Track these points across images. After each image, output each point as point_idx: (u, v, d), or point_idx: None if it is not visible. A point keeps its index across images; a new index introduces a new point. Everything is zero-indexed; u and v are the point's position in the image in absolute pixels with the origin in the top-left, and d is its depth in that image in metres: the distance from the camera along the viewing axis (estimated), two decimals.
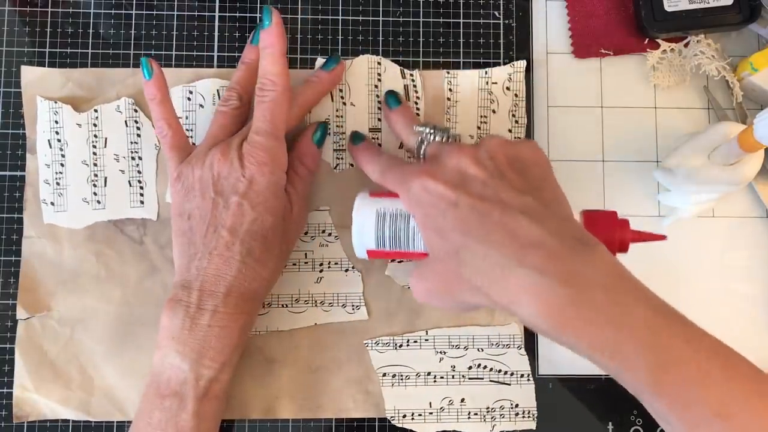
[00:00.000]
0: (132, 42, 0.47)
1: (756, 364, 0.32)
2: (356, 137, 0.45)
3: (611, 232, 0.38)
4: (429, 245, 0.37)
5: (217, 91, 0.46)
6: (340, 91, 0.47)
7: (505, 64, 0.48)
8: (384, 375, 0.45)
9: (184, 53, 0.47)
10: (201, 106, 0.46)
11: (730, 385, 0.31)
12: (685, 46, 0.48)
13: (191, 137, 0.46)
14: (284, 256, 0.43)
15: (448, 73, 0.48)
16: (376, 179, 0.41)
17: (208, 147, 0.42)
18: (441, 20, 0.48)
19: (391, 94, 0.45)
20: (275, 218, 0.41)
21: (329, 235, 0.46)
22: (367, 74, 0.47)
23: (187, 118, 0.46)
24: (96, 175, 0.46)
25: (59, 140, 0.46)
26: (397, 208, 0.40)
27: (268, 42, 0.40)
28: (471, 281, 0.34)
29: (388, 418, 0.45)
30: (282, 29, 0.40)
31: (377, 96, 0.47)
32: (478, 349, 0.46)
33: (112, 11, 0.47)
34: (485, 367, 0.46)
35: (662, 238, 0.40)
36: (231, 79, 0.45)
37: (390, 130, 0.46)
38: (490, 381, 0.46)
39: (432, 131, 0.41)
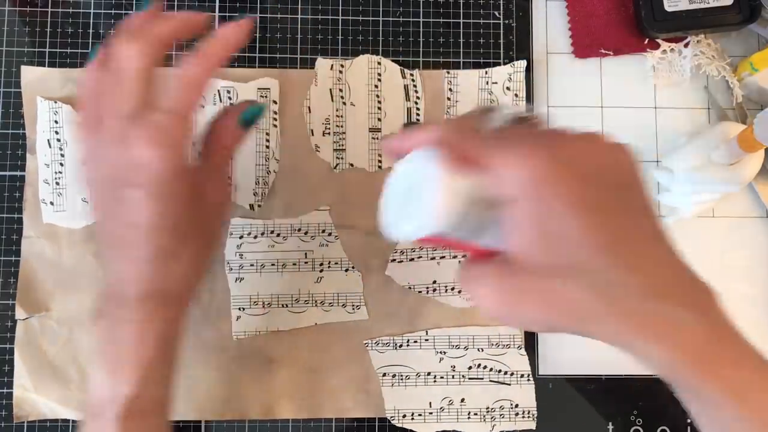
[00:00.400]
0: None
1: None
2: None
3: None
4: (529, 249, 0.28)
5: (218, 91, 0.46)
6: (340, 90, 0.47)
7: (505, 64, 0.48)
8: (384, 375, 0.45)
9: (184, 54, 0.47)
10: (201, 106, 0.46)
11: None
12: (686, 46, 0.48)
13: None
14: (206, 245, 0.38)
15: (448, 72, 0.48)
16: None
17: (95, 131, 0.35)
18: (441, 20, 0.48)
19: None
20: (184, 206, 0.34)
21: (329, 235, 0.46)
22: (367, 74, 0.47)
23: None
24: None
25: (59, 140, 0.46)
26: (482, 188, 0.28)
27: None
28: (584, 308, 0.27)
29: (388, 418, 0.45)
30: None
31: (377, 96, 0.47)
32: (478, 349, 0.46)
33: (112, 11, 0.47)
34: (485, 367, 0.46)
35: None
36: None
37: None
38: (490, 381, 0.46)
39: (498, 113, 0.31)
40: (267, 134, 0.47)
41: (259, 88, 0.47)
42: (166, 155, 0.33)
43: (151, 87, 0.34)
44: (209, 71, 0.34)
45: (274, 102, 0.47)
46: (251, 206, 0.46)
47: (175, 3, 0.47)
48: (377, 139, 0.47)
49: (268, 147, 0.47)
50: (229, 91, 0.47)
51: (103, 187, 0.35)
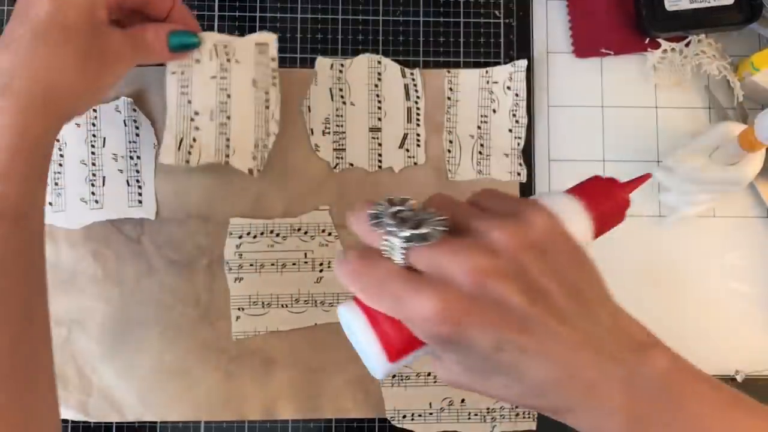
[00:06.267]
0: None
1: (755, 365, 0.32)
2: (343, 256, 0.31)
3: (610, 197, 0.35)
4: (468, 370, 0.30)
5: (214, 46, 0.44)
6: (340, 90, 0.47)
7: (505, 63, 0.48)
8: None
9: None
10: (197, 61, 0.44)
11: None
12: (686, 45, 0.48)
13: (186, 94, 0.44)
14: (92, 62, 0.36)
15: (449, 72, 0.47)
16: (360, 297, 0.30)
17: None
18: (441, 20, 0.48)
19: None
20: (79, 17, 0.35)
21: (329, 234, 0.46)
22: (367, 74, 0.47)
23: (182, 73, 0.44)
24: (94, 175, 0.46)
25: (58, 140, 0.45)
26: (422, 353, 0.31)
27: None
28: (530, 404, 0.31)
29: (388, 418, 0.45)
30: None
31: (377, 95, 0.47)
32: None
33: None
34: None
35: (648, 176, 0.36)
36: None
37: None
38: None
39: (405, 239, 0.28)
40: (266, 93, 0.45)
41: (257, 44, 0.45)
42: None
43: None
44: None
45: (273, 59, 0.45)
46: (250, 171, 0.45)
47: None
48: (377, 138, 0.47)
49: (267, 107, 0.45)
50: (225, 46, 0.44)
51: (18, 2, 0.35)
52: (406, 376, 0.45)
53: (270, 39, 0.45)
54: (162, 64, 0.45)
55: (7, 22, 0.35)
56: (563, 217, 0.31)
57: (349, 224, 0.30)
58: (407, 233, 0.28)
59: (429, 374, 0.45)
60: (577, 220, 0.33)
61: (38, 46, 0.34)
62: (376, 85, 0.47)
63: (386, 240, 0.29)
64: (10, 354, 0.31)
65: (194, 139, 0.44)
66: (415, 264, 0.29)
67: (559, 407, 0.30)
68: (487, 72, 0.47)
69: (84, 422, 0.44)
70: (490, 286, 0.28)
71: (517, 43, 0.48)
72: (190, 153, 0.45)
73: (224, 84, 0.45)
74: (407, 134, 0.47)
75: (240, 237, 0.45)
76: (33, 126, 0.34)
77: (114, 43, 0.38)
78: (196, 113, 0.44)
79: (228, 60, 0.44)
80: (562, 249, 0.30)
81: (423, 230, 0.28)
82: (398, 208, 0.29)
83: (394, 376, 0.45)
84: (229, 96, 0.45)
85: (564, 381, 0.29)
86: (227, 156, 0.45)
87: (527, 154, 0.47)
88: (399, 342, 0.30)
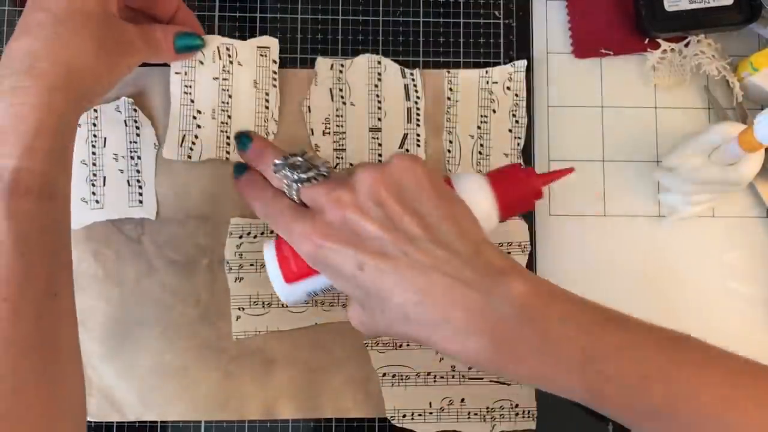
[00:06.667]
0: None
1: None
2: (237, 169, 0.41)
3: (522, 185, 0.39)
4: (351, 297, 0.37)
5: (218, 48, 0.46)
6: (340, 90, 0.47)
7: (505, 63, 0.48)
8: (384, 375, 0.45)
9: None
10: (201, 62, 0.46)
11: (672, 381, 0.32)
12: (686, 46, 0.48)
13: (189, 93, 0.46)
14: (109, 47, 0.38)
15: (449, 72, 0.48)
16: (262, 219, 0.40)
17: None
18: (441, 20, 0.48)
19: (240, 136, 0.41)
20: (97, 5, 0.37)
21: None
22: (367, 74, 0.47)
23: (186, 73, 0.46)
24: (95, 175, 0.46)
25: None
26: (326, 283, 0.38)
27: None
28: (403, 332, 0.35)
29: (388, 418, 0.45)
30: None
31: (377, 95, 0.47)
32: None
33: None
34: None
35: (570, 170, 0.40)
36: None
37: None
38: (490, 381, 0.46)
39: (296, 177, 0.37)
40: (266, 94, 0.46)
41: (258, 47, 0.47)
42: None
43: None
44: None
45: (274, 62, 0.46)
46: None
47: None
48: (377, 138, 0.47)
49: (267, 108, 0.46)
50: (228, 48, 0.46)
51: None
52: (406, 376, 0.45)
53: (272, 43, 0.46)
54: (165, 65, 0.46)
55: (8, 23, 0.36)
56: (468, 192, 0.37)
57: (259, 168, 0.40)
58: (296, 176, 0.37)
59: (429, 374, 0.46)
60: (481, 196, 0.38)
61: (59, 30, 0.35)
62: (376, 86, 0.47)
63: (285, 183, 0.37)
64: (36, 328, 0.32)
65: (196, 136, 0.46)
66: (304, 200, 0.37)
67: (423, 332, 0.34)
68: (486, 72, 0.48)
69: None
70: (349, 215, 0.34)
71: (516, 43, 0.48)
72: (191, 149, 0.46)
73: (226, 85, 0.46)
74: (407, 134, 0.47)
75: (240, 237, 0.46)
76: (56, 104, 0.35)
77: (128, 34, 0.39)
78: (199, 112, 0.46)
79: (230, 62, 0.46)
80: (423, 186, 0.35)
81: (308, 174, 0.37)
82: (297, 158, 0.38)
83: (393, 376, 0.45)
84: (230, 96, 0.46)
85: (421, 303, 0.33)
86: (228, 153, 0.46)
87: (527, 154, 0.47)
88: (295, 267, 0.38)
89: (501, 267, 0.34)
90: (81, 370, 0.36)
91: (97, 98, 0.39)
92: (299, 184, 0.37)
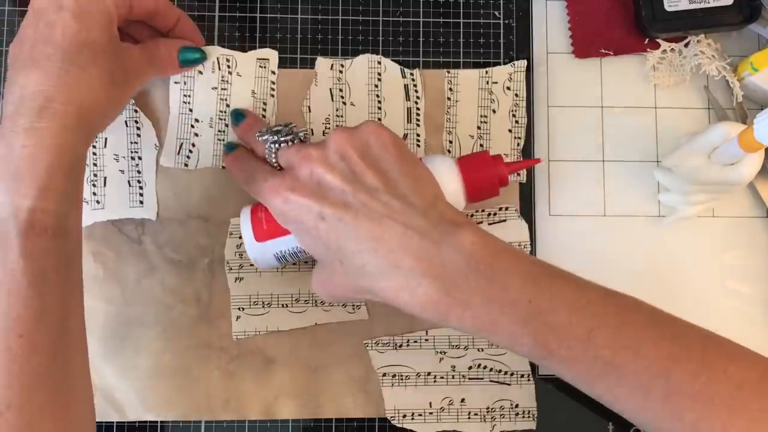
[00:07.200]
0: None
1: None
2: (228, 146, 0.45)
3: (489, 170, 0.41)
4: (313, 255, 0.39)
5: (217, 59, 0.47)
6: (340, 90, 0.47)
7: (505, 63, 0.48)
8: (384, 375, 0.45)
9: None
10: (200, 72, 0.46)
11: (619, 335, 0.33)
12: (686, 46, 0.48)
13: (188, 103, 0.46)
14: (117, 85, 0.39)
15: (449, 72, 0.48)
16: (244, 188, 0.42)
17: None
18: (441, 20, 0.48)
19: (235, 111, 0.45)
20: (102, 33, 0.38)
21: None
22: (367, 74, 0.47)
23: (185, 83, 0.46)
24: (95, 175, 0.46)
25: None
26: (293, 246, 0.41)
27: None
28: (359, 285, 0.36)
29: (388, 418, 0.45)
30: None
31: (377, 96, 0.47)
32: (478, 349, 0.46)
33: None
34: (485, 367, 0.46)
35: (537, 161, 0.44)
36: None
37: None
38: (490, 381, 0.46)
39: (275, 138, 0.40)
40: (264, 104, 0.47)
41: (258, 58, 0.47)
42: None
43: None
44: None
45: (273, 72, 0.47)
46: None
47: (175, 3, 0.47)
48: None
49: (264, 116, 0.47)
50: (228, 59, 0.47)
51: (33, 15, 0.37)
52: (406, 376, 0.45)
53: (271, 55, 0.47)
54: None
55: (8, 23, 0.36)
56: (437, 172, 0.39)
57: (246, 139, 0.43)
58: (275, 138, 0.40)
59: (429, 374, 0.46)
60: (449, 177, 0.40)
61: (70, 68, 0.36)
62: (376, 86, 0.47)
63: (266, 147, 0.40)
64: (50, 362, 0.34)
65: (193, 144, 0.46)
66: (280, 161, 0.40)
67: (376, 283, 0.35)
68: (486, 72, 0.48)
69: None
70: (315, 170, 0.37)
71: (516, 43, 0.48)
72: (189, 157, 0.46)
73: (224, 95, 0.47)
74: (407, 134, 0.47)
75: (240, 237, 0.46)
76: (69, 143, 0.36)
77: (133, 59, 0.41)
78: (197, 120, 0.46)
79: (230, 72, 0.47)
80: (387, 148, 0.37)
81: (287, 138, 0.40)
82: (279, 126, 0.41)
83: (393, 376, 0.45)
84: (228, 105, 0.47)
85: (375, 251, 0.35)
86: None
87: (527, 154, 0.47)
88: (266, 225, 0.41)
89: (454, 220, 0.36)
90: (92, 398, 0.37)
91: (106, 126, 0.40)
92: (278, 146, 0.40)
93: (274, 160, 0.40)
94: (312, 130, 0.47)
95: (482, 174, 0.41)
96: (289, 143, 0.40)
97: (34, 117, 0.35)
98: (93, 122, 0.38)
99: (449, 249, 0.34)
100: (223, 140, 0.46)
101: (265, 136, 0.40)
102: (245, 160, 0.43)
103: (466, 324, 0.34)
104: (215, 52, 0.47)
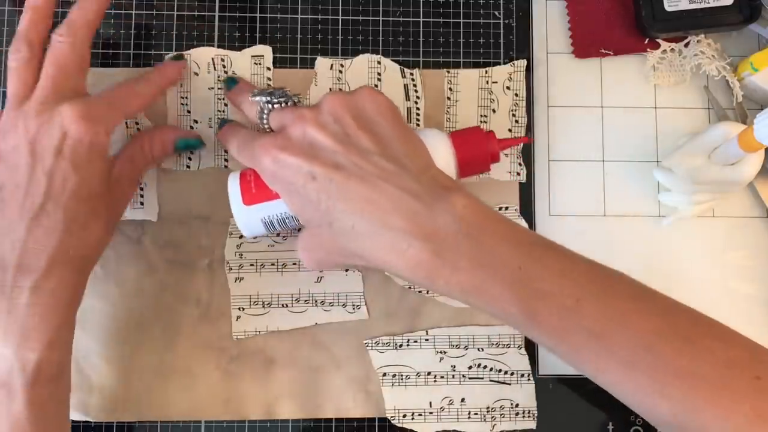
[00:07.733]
0: (132, 42, 0.47)
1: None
2: (221, 122, 0.45)
3: (481, 145, 0.41)
4: (301, 218, 0.38)
5: (212, 59, 0.47)
6: (340, 90, 0.47)
7: (505, 63, 0.48)
8: (384, 375, 0.45)
9: (184, 53, 0.47)
10: (195, 74, 0.46)
11: (606, 307, 0.33)
12: (686, 46, 0.48)
13: (185, 104, 0.46)
14: (111, 225, 0.40)
15: (449, 72, 0.48)
16: (235, 157, 0.41)
17: (15, 109, 0.38)
18: (441, 20, 0.48)
19: (228, 78, 0.45)
20: (100, 182, 0.38)
21: None
22: (367, 74, 0.47)
23: (181, 85, 0.46)
24: None
25: None
26: (281, 211, 0.40)
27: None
28: (348, 248, 0.36)
29: (388, 418, 0.45)
30: None
31: None
32: (478, 349, 0.46)
33: (112, 11, 0.47)
34: (485, 366, 0.46)
35: (526, 139, 0.44)
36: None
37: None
38: (491, 381, 0.46)
39: (268, 98, 0.40)
40: None
41: (252, 56, 0.47)
42: (92, 129, 0.37)
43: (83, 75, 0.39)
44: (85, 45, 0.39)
45: (268, 68, 0.47)
46: None
47: (175, 3, 0.47)
48: None
49: None
50: (223, 59, 0.47)
51: (29, 153, 0.36)
52: (406, 376, 0.45)
53: (266, 51, 0.47)
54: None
55: (8, 23, 0.36)
56: (430, 145, 0.39)
57: (238, 101, 0.43)
58: (268, 99, 0.40)
59: (429, 374, 0.46)
60: (442, 150, 0.40)
61: (71, 226, 0.37)
62: (376, 85, 0.47)
63: (258, 108, 0.40)
64: None
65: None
66: (272, 123, 0.40)
67: (365, 244, 0.35)
68: (486, 72, 0.48)
69: (85, 422, 0.44)
70: (308, 130, 0.37)
71: (516, 43, 0.48)
72: (190, 158, 0.46)
73: (221, 94, 0.47)
74: None
75: (240, 237, 0.46)
76: (74, 295, 0.37)
77: (123, 191, 0.41)
78: (195, 121, 0.46)
79: (225, 72, 0.47)
80: (382, 113, 0.37)
81: (280, 99, 0.40)
82: (273, 88, 0.41)
83: (393, 375, 0.45)
84: (226, 105, 0.47)
85: (366, 211, 0.35)
86: (226, 161, 0.46)
87: (527, 154, 0.48)
88: (255, 188, 0.40)
89: (446, 184, 0.36)
90: None
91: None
92: (271, 106, 0.40)
93: (265, 122, 0.40)
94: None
95: (474, 149, 0.41)
96: (282, 105, 0.40)
97: (40, 276, 0.35)
98: (93, 263, 0.39)
99: (441, 212, 0.34)
100: None
101: (258, 97, 0.40)
102: (237, 128, 0.43)
103: (454, 287, 0.34)
104: (209, 53, 0.47)
